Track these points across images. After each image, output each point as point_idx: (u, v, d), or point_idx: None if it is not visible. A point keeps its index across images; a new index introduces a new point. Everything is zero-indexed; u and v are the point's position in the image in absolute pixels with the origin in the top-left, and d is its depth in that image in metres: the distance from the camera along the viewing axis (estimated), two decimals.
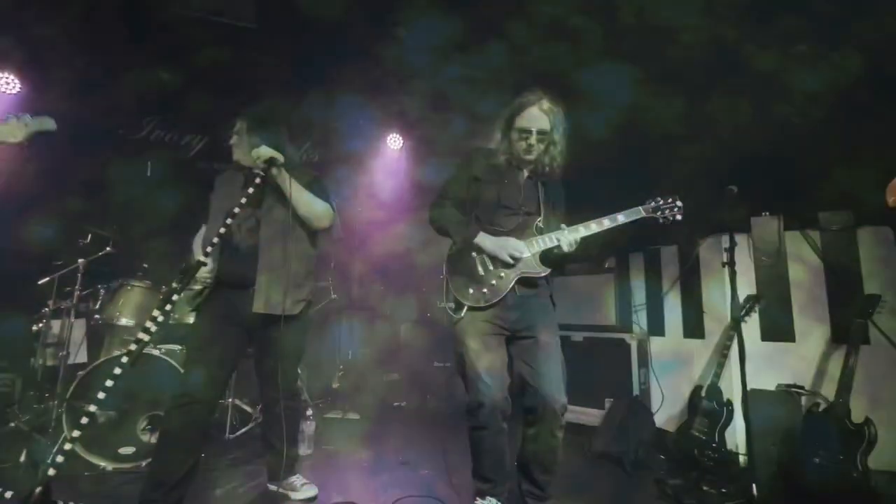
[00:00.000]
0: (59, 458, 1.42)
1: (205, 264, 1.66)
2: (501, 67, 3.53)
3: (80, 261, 2.76)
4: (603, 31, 3.02)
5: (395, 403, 3.82)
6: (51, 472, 1.42)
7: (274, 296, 1.92)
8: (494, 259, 1.89)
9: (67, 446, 1.42)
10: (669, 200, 1.97)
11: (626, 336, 3.39)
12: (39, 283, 2.85)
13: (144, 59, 3.74)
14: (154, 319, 1.49)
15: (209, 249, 1.66)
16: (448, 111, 4.03)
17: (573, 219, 1.97)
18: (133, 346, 1.46)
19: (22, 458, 2.34)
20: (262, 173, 1.87)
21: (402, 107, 4.36)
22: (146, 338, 1.47)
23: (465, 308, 1.87)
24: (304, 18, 3.31)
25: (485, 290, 1.87)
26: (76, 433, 1.42)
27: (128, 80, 3.77)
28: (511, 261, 1.86)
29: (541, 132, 1.91)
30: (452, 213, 2.00)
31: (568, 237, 1.88)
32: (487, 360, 1.82)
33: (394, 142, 4.78)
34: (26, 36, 3.35)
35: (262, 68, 3.85)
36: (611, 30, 3.01)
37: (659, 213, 1.96)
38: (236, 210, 1.71)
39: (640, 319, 3.54)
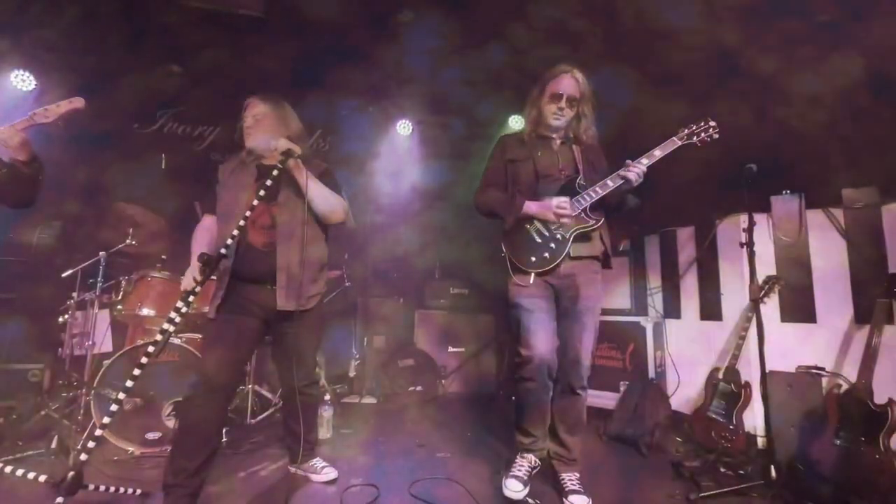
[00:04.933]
0: (91, 444, 1.47)
1: (226, 257, 1.68)
2: (502, 69, 3.53)
3: (102, 253, 2.81)
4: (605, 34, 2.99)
5: (411, 388, 3.87)
6: (83, 457, 1.48)
7: (293, 292, 1.95)
8: (546, 224, 2.02)
9: (98, 432, 1.47)
10: (702, 124, 1.98)
11: (641, 319, 3.36)
12: (63, 275, 2.93)
13: (154, 53, 3.75)
14: (178, 311, 1.52)
15: (229, 242, 1.68)
16: (452, 107, 4.06)
17: None
18: (159, 337, 1.50)
19: (53, 445, 2.42)
20: (279, 165, 1.86)
21: (411, 95, 4.34)
22: (171, 328, 1.50)
23: (532, 275, 2.00)
24: (310, 7, 3.28)
25: (546, 254, 2.00)
26: (106, 420, 1.47)
27: (139, 74, 3.80)
28: (559, 220, 1.97)
29: (570, 98, 2.05)
30: (496, 195, 2.14)
31: (636, 169, 1.92)
32: (540, 320, 2.00)
33: (403, 128, 4.75)
34: (32, 33, 3.38)
35: (271, 57, 3.84)
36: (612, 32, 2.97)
37: (695, 137, 1.97)
38: (255, 202, 1.72)
39: (656, 302, 3.50)
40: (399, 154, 4.81)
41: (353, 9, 3.21)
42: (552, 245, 2.00)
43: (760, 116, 2.97)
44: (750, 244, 2.28)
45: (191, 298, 1.58)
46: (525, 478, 2.03)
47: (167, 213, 3.26)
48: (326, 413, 2.85)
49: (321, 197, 2.03)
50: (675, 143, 1.97)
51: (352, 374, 4.14)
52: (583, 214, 1.99)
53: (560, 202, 1.96)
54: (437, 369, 4.04)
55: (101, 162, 3.83)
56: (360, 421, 3.27)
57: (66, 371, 2.99)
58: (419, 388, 3.90)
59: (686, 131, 1.98)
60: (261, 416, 3.05)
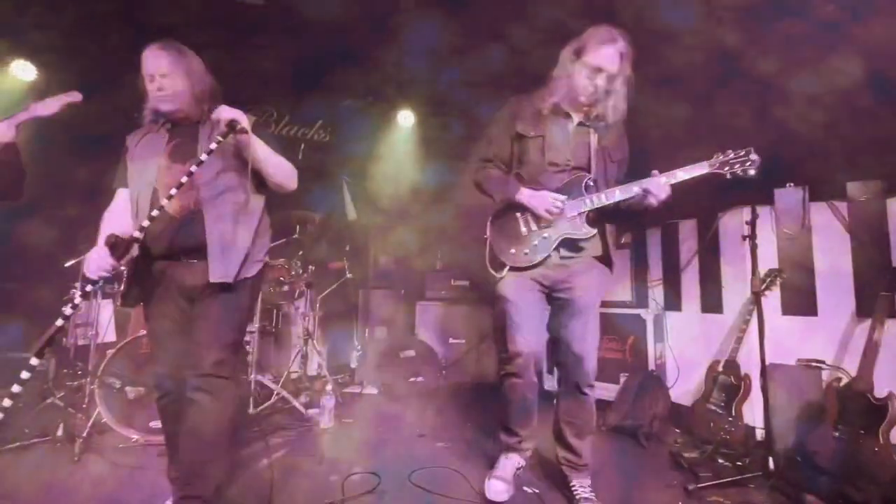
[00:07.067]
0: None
1: (138, 241, 1.48)
2: (502, 70, 3.51)
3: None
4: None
5: (412, 379, 3.89)
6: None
7: (224, 262, 1.62)
8: (538, 218, 1.85)
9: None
10: (742, 154, 1.74)
11: (641, 311, 3.37)
12: (66, 265, 2.94)
13: (145, 39, 3.71)
14: (71, 303, 1.42)
15: (146, 224, 1.47)
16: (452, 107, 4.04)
17: None
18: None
19: (59, 433, 2.46)
20: (220, 138, 1.53)
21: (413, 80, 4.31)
22: (60, 322, 1.38)
23: (507, 268, 1.88)
24: (310, 4, 3.24)
25: (526, 250, 1.85)
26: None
27: (130, 61, 3.76)
28: (549, 216, 1.80)
29: (611, 75, 1.78)
30: (494, 173, 1.96)
31: (658, 182, 1.73)
32: (527, 314, 1.87)
33: (405, 119, 4.71)
34: (23, 21, 3.35)
35: (271, 55, 3.82)
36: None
37: (728, 168, 1.74)
38: (184, 180, 1.46)
39: (657, 295, 3.50)
40: (401, 153, 4.79)
41: (353, 7, 3.17)
42: (536, 243, 1.84)
43: (764, 112, 2.94)
44: (752, 237, 2.28)
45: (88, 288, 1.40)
46: (509, 478, 1.92)
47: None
48: (328, 403, 2.88)
49: (276, 166, 1.71)
50: (703, 167, 1.75)
51: (353, 364, 4.18)
52: (577, 219, 1.82)
53: (555, 200, 1.78)
54: (438, 360, 4.06)
55: (91, 155, 3.79)
56: (362, 411, 3.29)
57: (71, 360, 3.02)
58: (420, 378, 3.92)
59: (722, 158, 1.74)
60: (263, 406, 3.07)
